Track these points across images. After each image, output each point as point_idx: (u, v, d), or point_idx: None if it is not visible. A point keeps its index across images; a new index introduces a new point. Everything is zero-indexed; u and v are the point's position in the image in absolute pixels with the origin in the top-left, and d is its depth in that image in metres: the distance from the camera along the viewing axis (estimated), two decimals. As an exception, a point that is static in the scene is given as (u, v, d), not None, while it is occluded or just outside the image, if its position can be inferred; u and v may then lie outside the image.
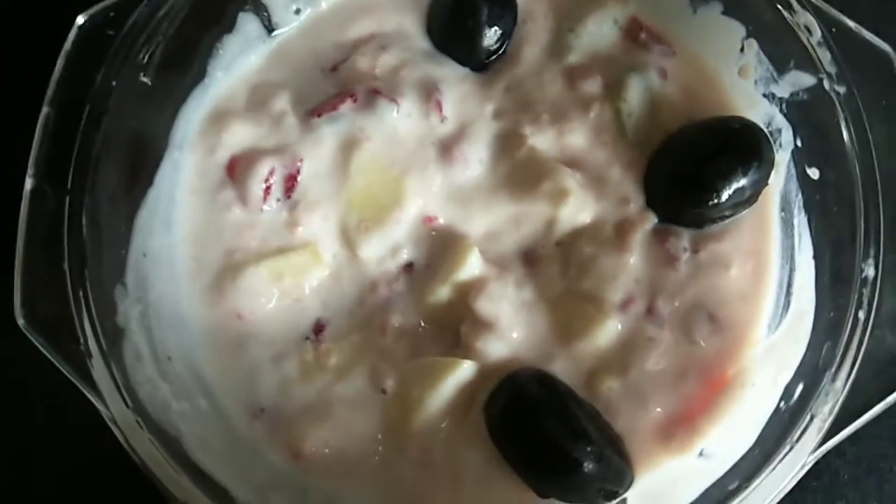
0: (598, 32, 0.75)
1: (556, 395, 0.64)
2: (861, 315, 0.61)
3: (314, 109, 0.72)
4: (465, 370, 0.66)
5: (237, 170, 0.71)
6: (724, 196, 0.67)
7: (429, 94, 0.72)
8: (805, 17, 0.64)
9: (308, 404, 0.67)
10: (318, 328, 0.70)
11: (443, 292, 0.69)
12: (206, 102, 0.73)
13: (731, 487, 0.60)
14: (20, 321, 0.58)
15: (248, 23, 0.74)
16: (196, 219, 0.71)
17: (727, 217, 0.69)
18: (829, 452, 0.59)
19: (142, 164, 0.68)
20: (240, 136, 0.72)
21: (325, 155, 0.71)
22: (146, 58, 0.66)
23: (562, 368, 0.67)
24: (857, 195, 0.63)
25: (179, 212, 0.71)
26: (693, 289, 0.68)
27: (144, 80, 0.67)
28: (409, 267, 0.71)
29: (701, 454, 0.65)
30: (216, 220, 0.71)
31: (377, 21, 0.76)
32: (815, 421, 0.59)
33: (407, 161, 0.71)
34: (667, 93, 0.73)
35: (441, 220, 0.71)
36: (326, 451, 0.66)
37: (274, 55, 0.76)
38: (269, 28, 0.75)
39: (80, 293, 0.60)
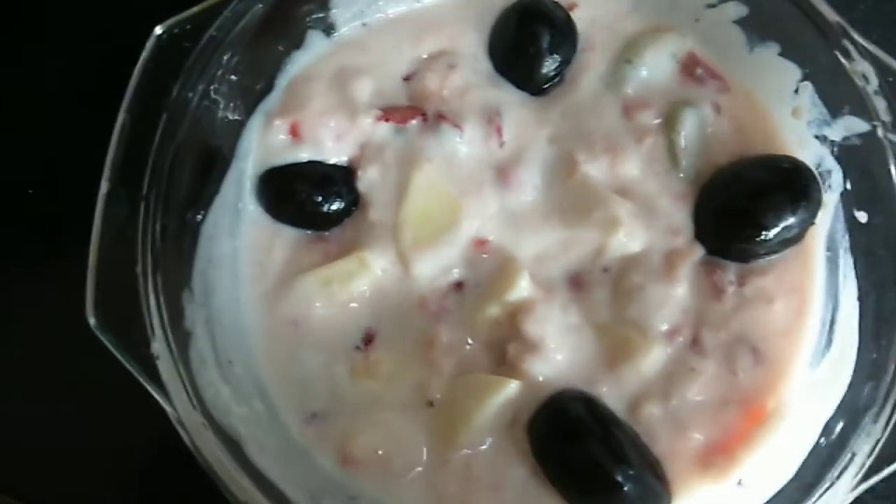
0: (656, 65, 0.76)
1: (598, 416, 0.66)
2: (904, 358, 0.63)
3: (385, 113, 0.75)
4: (510, 389, 0.68)
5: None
6: (772, 233, 0.68)
7: (490, 119, 0.74)
8: (863, 65, 0.66)
9: (358, 411, 0.70)
10: (369, 338, 0.72)
11: (492, 312, 0.71)
12: (271, 112, 0.75)
13: (769, 519, 0.63)
14: (91, 321, 0.60)
15: (316, 39, 0.76)
16: (257, 228, 0.74)
17: (773, 253, 0.71)
18: (860, 487, 0.61)
19: (210, 173, 0.71)
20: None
21: (385, 164, 0.74)
22: (220, 71, 0.69)
23: (605, 391, 0.68)
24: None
25: (242, 221, 0.74)
26: (737, 321, 0.70)
27: (216, 93, 0.70)
28: (459, 285, 0.73)
29: (739, 483, 0.66)
30: (276, 229, 0.74)
31: (447, 38, 0.78)
32: (856, 460, 0.61)
33: (465, 184, 0.74)
34: (720, 128, 0.75)
35: (493, 242, 0.73)
36: (374, 458, 0.68)
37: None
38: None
39: (151, 296, 0.62)
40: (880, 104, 0.66)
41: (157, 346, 0.61)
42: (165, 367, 0.60)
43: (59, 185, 0.81)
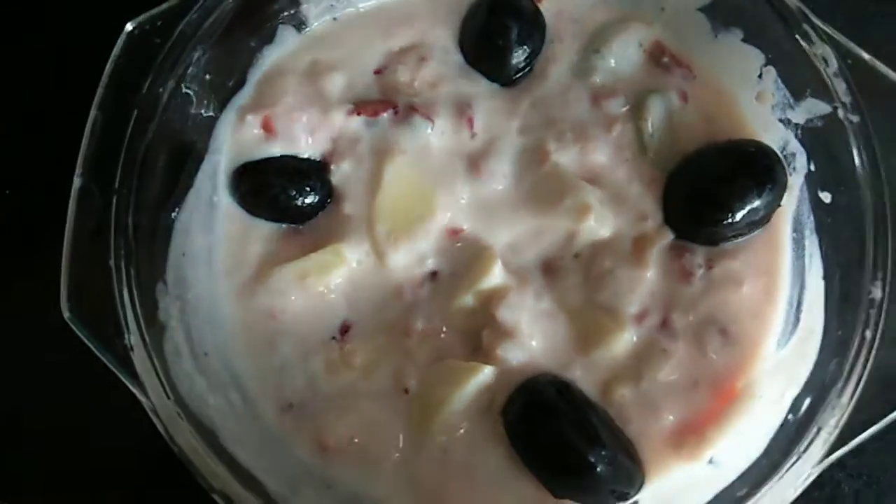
0: (623, 54, 0.77)
1: (571, 400, 0.67)
2: (868, 334, 0.64)
3: (357, 106, 0.75)
4: (485, 374, 0.69)
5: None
6: (739, 216, 0.69)
7: (461, 111, 0.75)
8: (822, 49, 0.67)
9: (334, 401, 0.70)
10: (345, 329, 0.73)
11: (466, 300, 0.72)
12: (243, 107, 0.76)
13: (738, 494, 0.63)
14: (66, 314, 0.61)
15: (287, 35, 0.77)
16: (232, 222, 0.75)
17: (741, 236, 0.72)
18: (831, 465, 0.62)
19: (183, 167, 0.71)
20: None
21: (358, 157, 0.75)
22: (191, 67, 0.70)
23: (578, 375, 0.69)
24: (867, 220, 0.66)
25: (217, 215, 0.74)
26: (706, 304, 0.71)
27: (188, 89, 0.70)
28: (434, 275, 0.74)
29: (710, 462, 0.67)
30: (251, 223, 0.75)
31: (418, 32, 0.79)
32: (821, 434, 0.62)
33: (437, 175, 0.74)
34: (686, 115, 0.76)
35: (467, 232, 0.74)
36: (350, 446, 0.69)
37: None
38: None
39: (124, 289, 0.63)
40: (840, 86, 0.67)
41: (132, 339, 0.61)
42: (140, 358, 0.61)
43: (34, 184, 0.82)
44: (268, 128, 0.75)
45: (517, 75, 0.78)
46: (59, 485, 0.78)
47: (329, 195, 0.75)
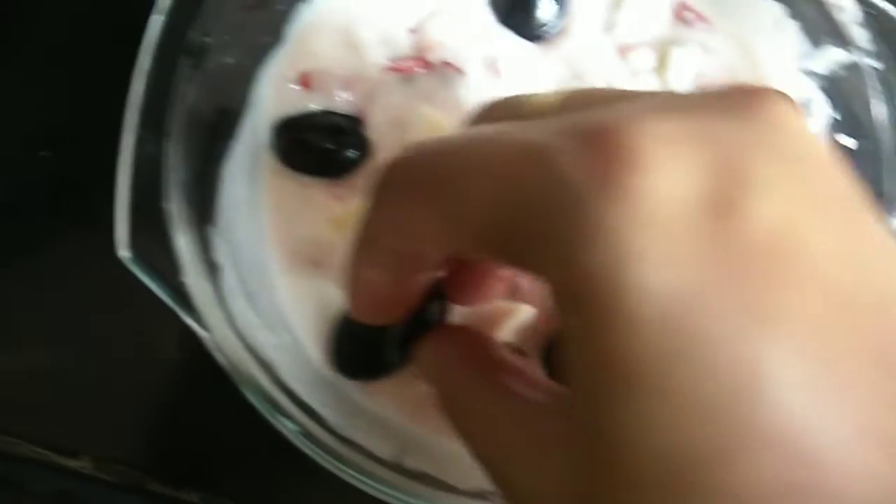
0: (647, 9, 0.81)
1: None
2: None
3: (392, 63, 0.78)
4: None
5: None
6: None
7: (492, 64, 0.78)
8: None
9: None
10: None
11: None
12: (281, 63, 0.78)
13: None
14: (123, 254, 0.61)
15: (324, -10, 0.79)
16: (273, 175, 0.76)
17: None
18: None
19: (228, 118, 0.73)
20: (312, 97, 0.78)
21: (392, 111, 0.77)
22: (232, 19, 0.71)
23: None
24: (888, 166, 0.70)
25: (258, 168, 0.76)
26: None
27: (229, 43, 0.71)
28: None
29: None
30: (290, 177, 0.76)
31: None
32: None
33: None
34: (708, 69, 0.79)
35: (500, 182, 0.76)
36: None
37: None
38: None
39: (180, 230, 0.64)
40: (862, 35, 0.70)
41: (190, 277, 0.63)
42: (198, 294, 0.62)
43: (80, 138, 0.83)
44: (305, 83, 0.77)
45: (545, 30, 0.80)
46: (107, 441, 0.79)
47: (365, 149, 0.77)
